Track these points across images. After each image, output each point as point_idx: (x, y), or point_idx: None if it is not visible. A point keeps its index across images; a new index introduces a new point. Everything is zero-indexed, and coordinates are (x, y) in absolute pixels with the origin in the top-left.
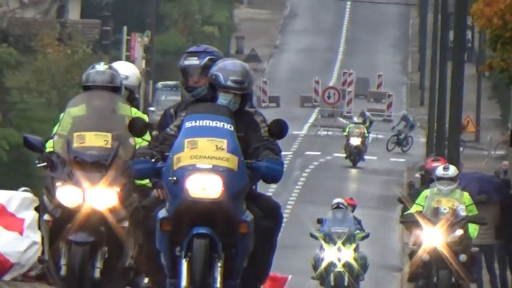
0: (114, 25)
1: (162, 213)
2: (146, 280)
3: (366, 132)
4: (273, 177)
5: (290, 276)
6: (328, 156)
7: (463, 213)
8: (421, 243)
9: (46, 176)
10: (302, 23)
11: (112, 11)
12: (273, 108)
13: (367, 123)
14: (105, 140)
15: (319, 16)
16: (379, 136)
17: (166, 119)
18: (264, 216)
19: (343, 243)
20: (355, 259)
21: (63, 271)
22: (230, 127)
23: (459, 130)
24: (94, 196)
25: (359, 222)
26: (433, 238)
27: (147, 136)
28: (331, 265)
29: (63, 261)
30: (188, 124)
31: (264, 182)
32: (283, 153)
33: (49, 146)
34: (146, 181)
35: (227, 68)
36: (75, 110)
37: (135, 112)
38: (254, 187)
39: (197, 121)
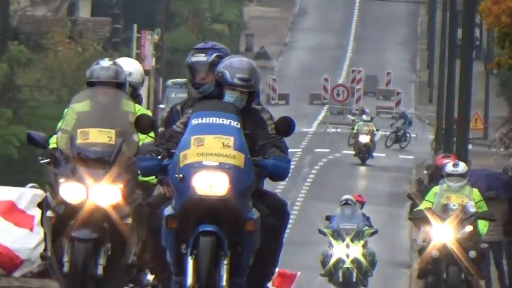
0: (124, 23)
1: (168, 210)
2: (149, 277)
3: (374, 129)
4: (279, 174)
5: (299, 273)
6: (337, 153)
7: (472, 210)
8: (431, 240)
9: (49, 172)
10: (312, 21)
11: (122, 9)
12: (282, 106)
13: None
14: (108, 137)
15: (328, 14)
16: (387, 133)
17: (173, 116)
18: (271, 213)
19: (352, 240)
20: (363, 255)
21: (66, 268)
22: (237, 124)
23: (467, 127)
24: (98, 193)
25: (367, 219)
26: (443, 234)
27: (152, 133)
28: (340, 261)
29: (66, 258)
30: (194, 121)
31: (271, 180)
32: (292, 150)
33: (53, 142)
34: (150, 177)
35: (234, 65)
36: (79, 106)
37: (138, 109)
38: (260, 184)
39: (204, 118)
